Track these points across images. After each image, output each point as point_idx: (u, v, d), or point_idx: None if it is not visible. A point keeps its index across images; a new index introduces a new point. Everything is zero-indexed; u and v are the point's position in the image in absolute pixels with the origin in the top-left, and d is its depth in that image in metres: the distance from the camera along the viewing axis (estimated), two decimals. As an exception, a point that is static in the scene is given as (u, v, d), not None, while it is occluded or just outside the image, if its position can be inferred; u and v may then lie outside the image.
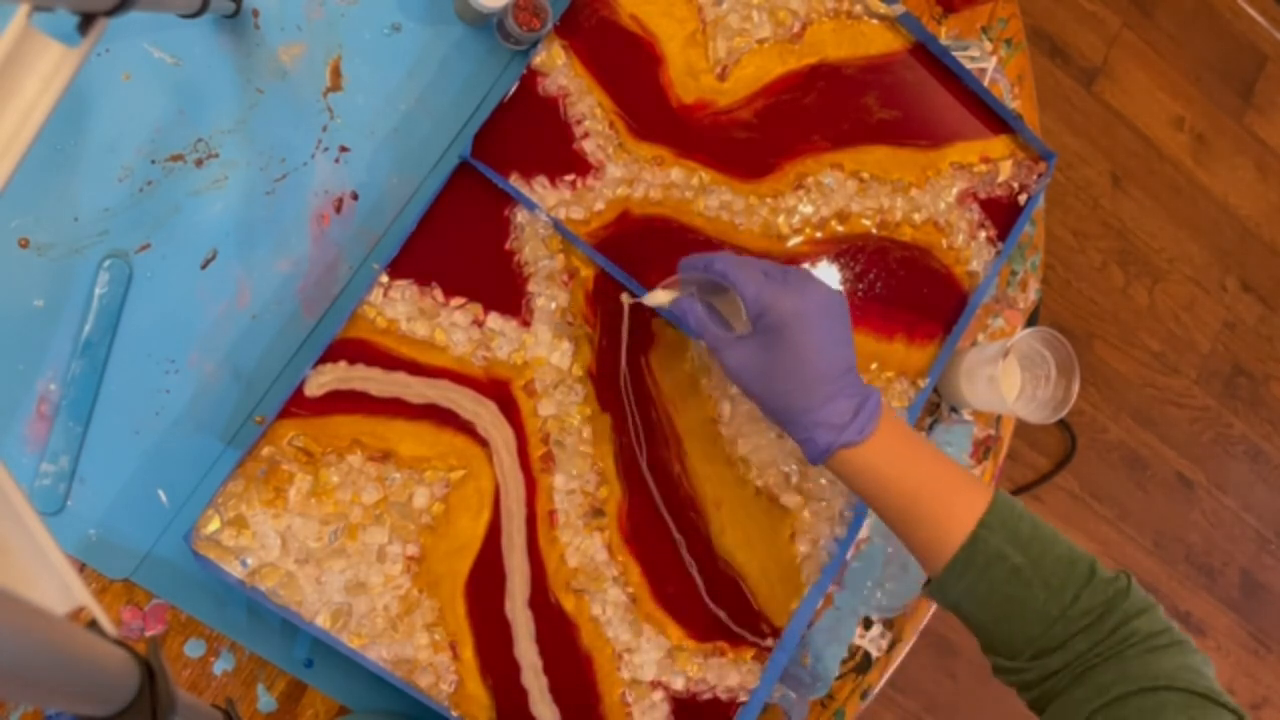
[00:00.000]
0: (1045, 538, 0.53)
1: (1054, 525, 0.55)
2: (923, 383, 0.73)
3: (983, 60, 0.80)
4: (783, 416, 0.57)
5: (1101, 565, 0.53)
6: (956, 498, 0.55)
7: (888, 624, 0.74)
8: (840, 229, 0.73)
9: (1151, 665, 0.49)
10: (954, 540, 0.53)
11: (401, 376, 0.62)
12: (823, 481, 0.71)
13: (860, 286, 0.73)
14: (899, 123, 0.75)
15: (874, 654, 0.74)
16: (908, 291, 0.74)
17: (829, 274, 0.73)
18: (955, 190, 0.76)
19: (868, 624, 0.74)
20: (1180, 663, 0.49)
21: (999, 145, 0.77)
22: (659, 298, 0.62)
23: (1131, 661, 0.49)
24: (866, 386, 0.57)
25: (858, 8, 0.75)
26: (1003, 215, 0.77)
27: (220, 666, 0.61)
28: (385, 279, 0.63)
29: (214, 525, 0.58)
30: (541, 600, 0.64)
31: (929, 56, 0.76)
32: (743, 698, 0.67)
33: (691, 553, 0.67)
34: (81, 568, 0.59)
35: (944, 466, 0.56)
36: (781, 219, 0.72)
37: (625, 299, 0.65)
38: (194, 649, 0.60)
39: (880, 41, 0.75)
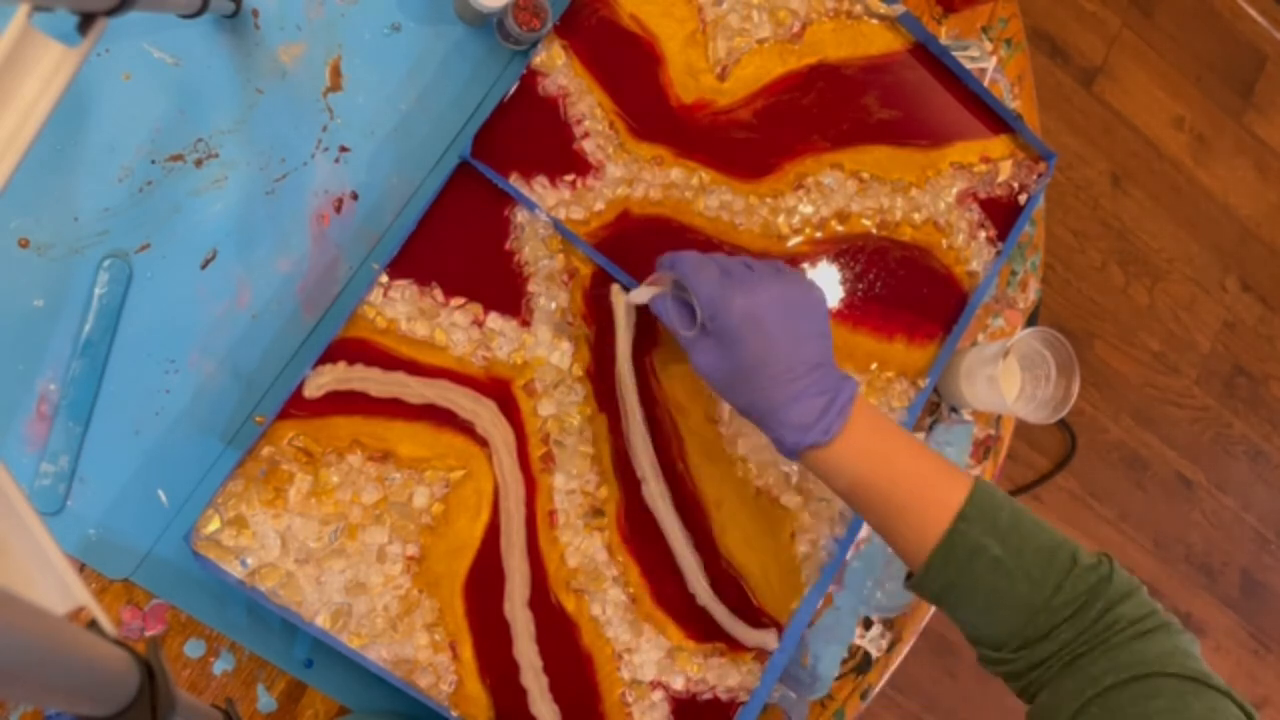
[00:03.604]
0: (1025, 528, 0.53)
1: (1054, 525, 0.54)
2: (923, 383, 0.73)
3: (983, 60, 0.80)
4: (750, 416, 0.56)
5: (1083, 551, 0.52)
6: (933, 492, 0.54)
7: (888, 624, 0.74)
8: (840, 229, 0.73)
9: (1140, 651, 0.48)
10: (933, 535, 0.53)
11: (400, 376, 0.62)
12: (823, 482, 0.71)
13: (860, 286, 0.73)
14: (899, 123, 0.75)
15: (874, 654, 0.74)
16: (908, 291, 0.74)
17: (829, 274, 0.73)
18: (955, 190, 0.76)
19: (868, 624, 0.74)
20: (1168, 646, 0.49)
21: (999, 145, 0.77)
22: (640, 295, 0.63)
23: (1119, 649, 0.49)
24: (840, 380, 0.56)
25: (858, 8, 0.75)
26: (1003, 215, 0.77)
27: (220, 666, 0.61)
28: (385, 279, 0.63)
29: (214, 525, 0.58)
30: (541, 600, 0.64)
31: (929, 56, 0.76)
32: (743, 698, 0.67)
33: (694, 551, 0.67)
34: (81, 568, 0.59)
35: (921, 460, 0.55)
36: (781, 219, 0.72)
37: (615, 290, 0.66)
38: (194, 649, 0.61)
39: (880, 41, 0.75)
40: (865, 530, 0.73)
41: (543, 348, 0.65)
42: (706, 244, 0.70)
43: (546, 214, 0.66)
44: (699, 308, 0.56)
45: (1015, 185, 0.78)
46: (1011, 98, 0.81)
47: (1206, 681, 0.47)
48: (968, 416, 0.78)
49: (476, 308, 0.65)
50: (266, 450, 0.60)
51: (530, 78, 0.67)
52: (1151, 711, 0.46)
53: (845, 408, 0.55)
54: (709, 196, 0.70)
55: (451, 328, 0.64)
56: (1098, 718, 0.47)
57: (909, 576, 0.57)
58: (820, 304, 0.57)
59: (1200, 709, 0.45)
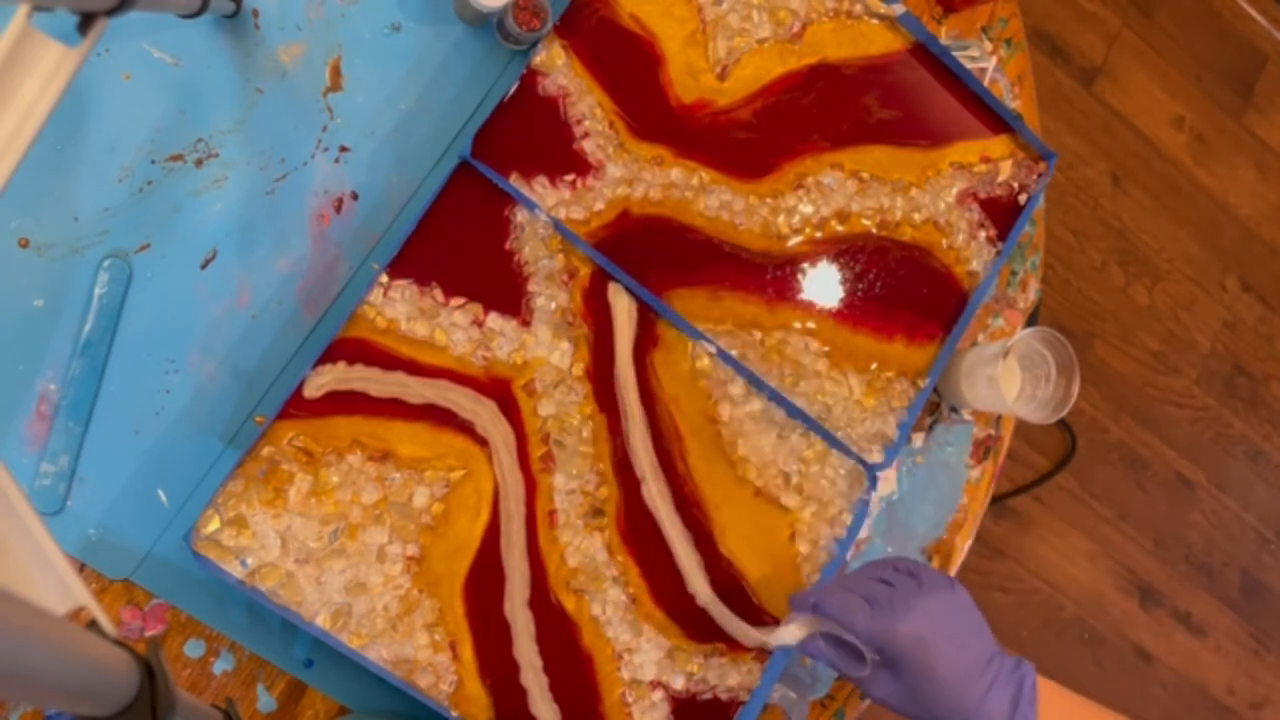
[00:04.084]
0: None
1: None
2: (923, 383, 0.73)
3: (983, 60, 0.80)
4: None
5: None
6: None
7: None
8: (840, 229, 0.73)
9: None
10: None
11: (400, 376, 0.63)
12: (822, 482, 0.71)
13: (860, 286, 0.73)
14: (899, 123, 0.75)
15: (874, 654, 0.74)
16: (908, 291, 0.74)
17: (829, 274, 0.73)
18: (955, 190, 0.76)
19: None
20: None
21: (999, 145, 0.77)
22: (787, 637, 0.60)
23: None
24: (1016, 666, 0.56)
25: (858, 7, 0.75)
26: (1003, 215, 0.77)
27: (220, 666, 0.61)
28: (385, 279, 0.63)
29: (214, 525, 0.58)
30: (542, 600, 0.64)
31: (929, 56, 0.76)
32: (743, 698, 0.67)
33: (695, 551, 0.67)
34: (81, 568, 0.59)
35: None
36: (781, 219, 0.72)
37: (613, 288, 0.66)
38: (194, 649, 0.61)
39: (880, 41, 0.75)
40: (865, 530, 0.73)
41: (543, 348, 0.65)
42: (707, 244, 0.70)
43: (546, 214, 0.66)
44: (862, 646, 0.56)
45: (1015, 185, 0.78)
46: (1011, 98, 0.81)
47: None
48: (968, 416, 0.78)
49: (476, 308, 0.65)
50: (266, 450, 0.60)
51: (530, 78, 0.67)
52: None
53: (1033, 693, 0.54)
54: (709, 196, 0.70)
55: (451, 328, 0.64)
56: None
57: None
58: (966, 597, 0.57)
59: None
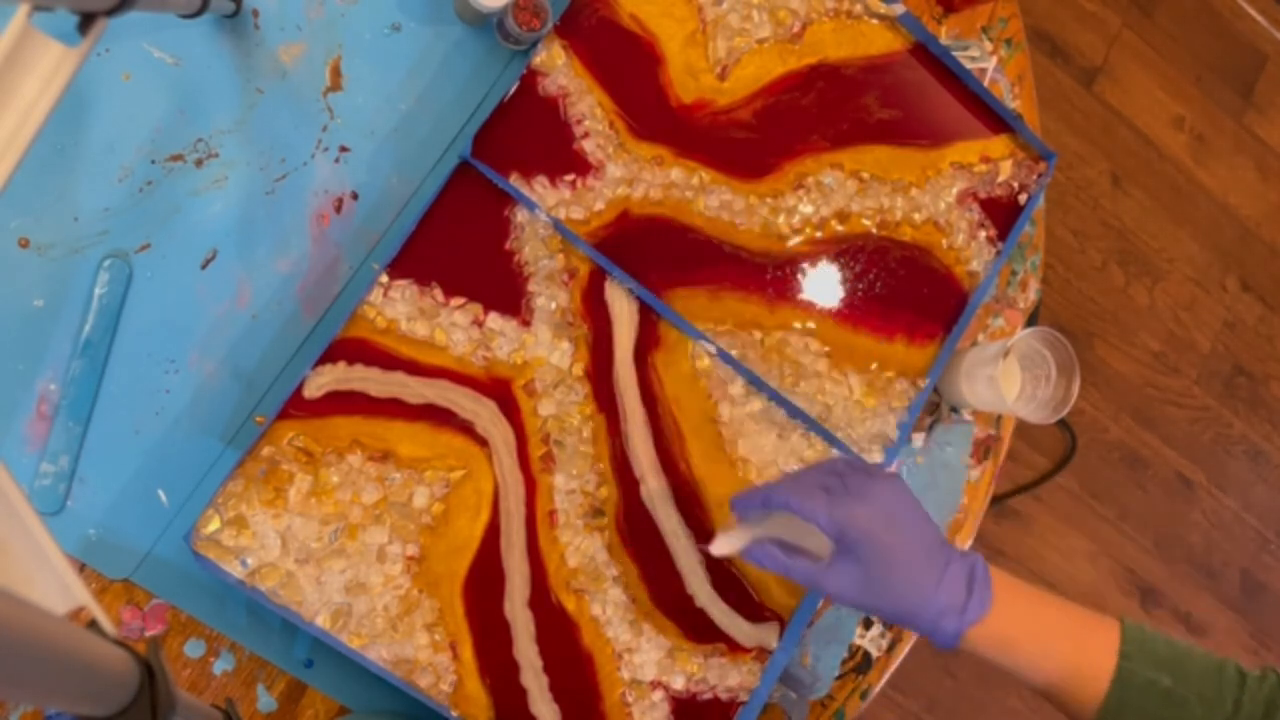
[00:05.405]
0: (1183, 653, 0.52)
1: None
2: (923, 383, 0.73)
3: (983, 60, 0.80)
4: (904, 619, 0.55)
5: (1242, 664, 0.52)
6: (1089, 638, 0.53)
7: (888, 624, 0.74)
8: (840, 229, 0.73)
9: None
10: (1101, 682, 0.52)
11: (400, 376, 0.63)
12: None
13: (860, 286, 0.73)
14: (899, 123, 0.75)
15: (874, 654, 0.74)
16: (908, 291, 0.74)
17: (829, 274, 0.73)
18: (955, 190, 0.76)
19: (868, 624, 0.74)
20: None
21: (999, 145, 0.77)
22: (726, 546, 0.58)
23: None
24: (967, 553, 0.55)
25: (858, 7, 0.75)
26: (1003, 215, 0.77)
27: (220, 666, 0.61)
28: (385, 279, 0.63)
29: (214, 525, 0.58)
30: (542, 600, 0.64)
31: (929, 56, 0.76)
32: (743, 698, 0.67)
33: (695, 551, 0.67)
34: (81, 568, 0.59)
35: (1066, 610, 0.55)
36: (781, 219, 0.72)
37: (611, 285, 0.66)
38: (194, 649, 0.61)
39: (880, 41, 0.75)
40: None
41: (543, 348, 0.65)
42: (706, 244, 0.70)
43: (546, 214, 0.66)
44: (821, 530, 0.55)
45: (1015, 185, 0.78)
46: (1011, 98, 0.81)
47: None
48: (968, 416, 0.78)
49: (476, 308, 0.65)
50: (266, 450, 0.60)
51: (530, 78, 0.67)
52: None
53: (986, 575, 0.54)
54: (709, 196, 0.70)
55: (451, 328, 0.64)
56: None
57: None
58: (910, 489, 0.57)
59: None
